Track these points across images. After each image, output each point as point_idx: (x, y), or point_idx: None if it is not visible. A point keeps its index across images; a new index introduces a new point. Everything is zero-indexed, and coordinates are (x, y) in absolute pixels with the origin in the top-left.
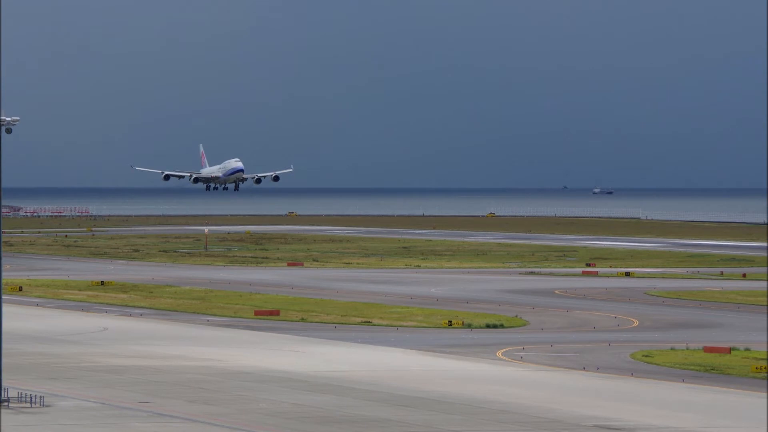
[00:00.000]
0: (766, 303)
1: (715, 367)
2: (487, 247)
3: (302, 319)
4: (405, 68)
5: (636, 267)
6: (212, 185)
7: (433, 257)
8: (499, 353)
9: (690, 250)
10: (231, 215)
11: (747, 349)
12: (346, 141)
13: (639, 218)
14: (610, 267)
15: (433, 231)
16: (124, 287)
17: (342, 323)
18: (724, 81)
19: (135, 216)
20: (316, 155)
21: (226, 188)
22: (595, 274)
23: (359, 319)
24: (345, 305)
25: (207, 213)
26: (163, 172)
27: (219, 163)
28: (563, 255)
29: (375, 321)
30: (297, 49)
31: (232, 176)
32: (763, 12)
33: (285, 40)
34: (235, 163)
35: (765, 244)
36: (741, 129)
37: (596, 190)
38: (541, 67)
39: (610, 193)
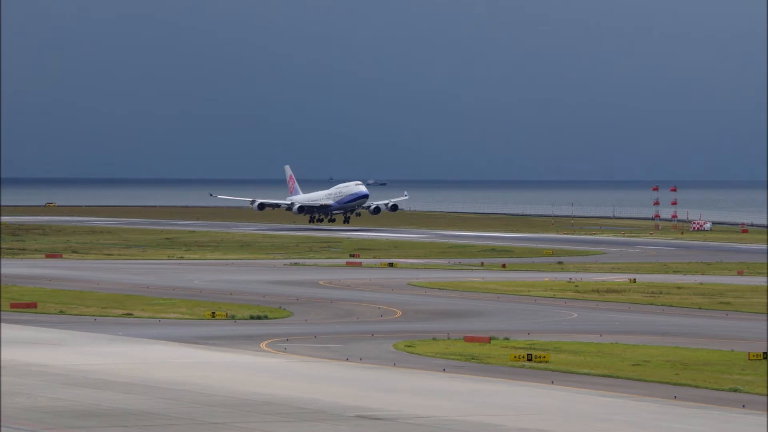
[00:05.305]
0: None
1: (475, 356)
2: (252, 238)
3: (61, 312)
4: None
5: (399, 257)
6: (316, 216)
7: (197, 248)
8: (263, 345)
9: (452, 240)
10: None
11: (506, 339)
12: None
13: (402, 209)
14: (374, 258)
15: (196, 222)
16: None
17: (102, 315)
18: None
19: None
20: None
21: (332, 220)
22: (359, 265)
23: (120, 311)
24: (105, 297)
25: None
26: (254, 201)
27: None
28: (327, 246)
29: (136, 313)
30: None
31: (351, 204)
32: None
33: None
34: (356, 188)
35: (530, 235)
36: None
37: (370, 182)
38: (313, 58)
39: (384, 184)
